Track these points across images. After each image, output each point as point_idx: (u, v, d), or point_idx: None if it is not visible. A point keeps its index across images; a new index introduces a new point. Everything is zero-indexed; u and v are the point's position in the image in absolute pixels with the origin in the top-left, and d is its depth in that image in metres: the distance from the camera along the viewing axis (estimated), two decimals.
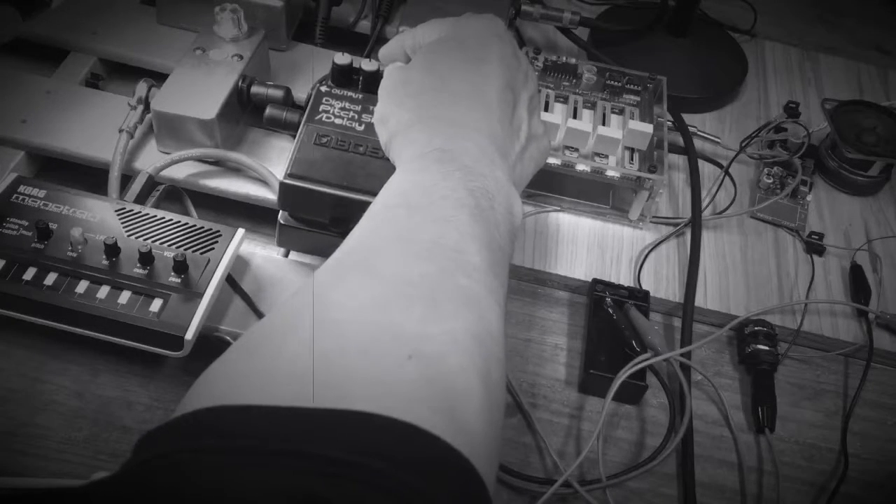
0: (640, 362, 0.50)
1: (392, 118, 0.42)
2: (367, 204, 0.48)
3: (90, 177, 0.55)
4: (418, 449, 0.26)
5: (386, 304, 0.31)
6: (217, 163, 0.56)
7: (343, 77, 0.52)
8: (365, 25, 0.68)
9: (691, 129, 0.66)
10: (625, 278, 0.58)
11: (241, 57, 0.56)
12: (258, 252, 0.53)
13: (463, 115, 0.41)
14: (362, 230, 0.36)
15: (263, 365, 0.29)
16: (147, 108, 0.55)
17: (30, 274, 0.45)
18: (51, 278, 0.45)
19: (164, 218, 0.49)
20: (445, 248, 0.34)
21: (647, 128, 0.58)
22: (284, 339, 0.30)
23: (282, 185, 0.48)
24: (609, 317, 0.54)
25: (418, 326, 0.30)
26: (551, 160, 0.57)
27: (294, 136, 0.50)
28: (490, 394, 0.30)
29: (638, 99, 0.63)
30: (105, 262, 0.46)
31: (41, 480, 0.44)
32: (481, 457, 0.28)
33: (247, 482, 0.23)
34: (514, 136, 0.42)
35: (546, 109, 0.60)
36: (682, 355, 0.53)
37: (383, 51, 0.49)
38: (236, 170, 0.56)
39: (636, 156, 0.59)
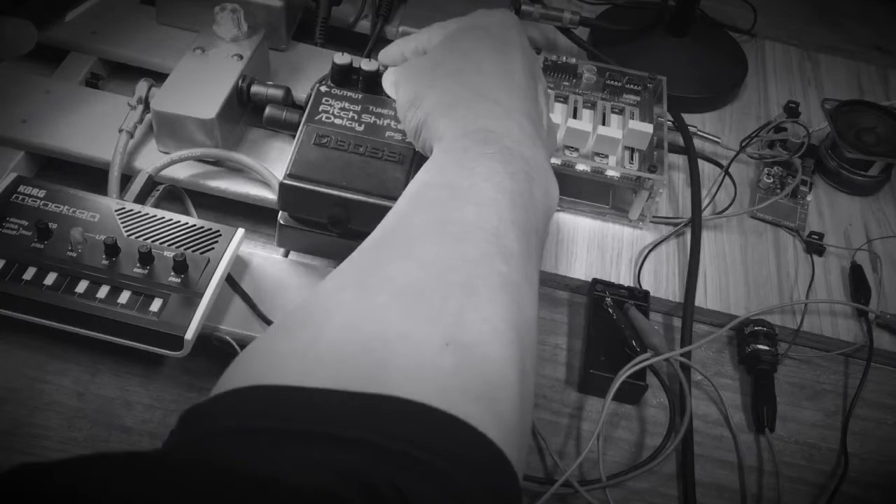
0: (640, 362, 0.50)
1: (426, 100, 0.42)
2: (367, 204, 0.48)
3: (90, 177, 0.55)
4: (455, 438, 0.26)
5: (426, 290, 0.31)
6: (217, 163, 0.56)
7: (343, 77, 0.52)
8: (365, 25, 0.68)
9: (691, 129, 0.66)
10: (625, 278, 0.58)
11: (240, 57, 0.56)
12: (258, 252, 0.53)
13: (502, 94, 0.41)
14: (403, 210, 0.36)
15: (305, 346, 0.29)
16: (147, 108, 0.55)
17: (30, 274, 0.45)
18: (51, 278, 0.45)
19: (163, 218, 0.49)
20: (486, 231, 0.33)
21: (647, 128, 0.58)
22: (325, 320, 0.30)
23: (281, 185, 0.48)
24: (609, 317, 0.54)
25: (457, 314, 0.30)
26: (551, 160, 0.57)
27: (294, 136, 0.50)
28: (524, 384, 0.30)
29: (638, 99, 0.63)
30: (105, 262, 0.46)
31: None
32: (514, 447, 0.28)
33: (293, 462, 0.24)
34: (540, 121, 0.42)
35: None
36: (682, 355, 0.53)
37: (385, 53, 0.49)
38: (236, 170, 0.56)
39: (636, 156, 0.59)
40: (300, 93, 0.58)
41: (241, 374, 0.29)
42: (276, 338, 0.31)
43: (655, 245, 0.60)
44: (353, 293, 0.31)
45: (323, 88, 0.52)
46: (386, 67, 0.50)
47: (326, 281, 0.33)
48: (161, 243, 0.48)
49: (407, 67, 0.45)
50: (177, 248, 0.48)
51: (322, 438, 0.24)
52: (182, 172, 0.55)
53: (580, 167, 0.58)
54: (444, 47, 0.44)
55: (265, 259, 0.52)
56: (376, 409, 0.26)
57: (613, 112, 0.61)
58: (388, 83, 0.49)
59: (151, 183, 0.53)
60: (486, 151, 0.37)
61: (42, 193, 0.49)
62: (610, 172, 0.58)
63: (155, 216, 0.49)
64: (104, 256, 0.47)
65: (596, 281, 0.56)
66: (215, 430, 0.26)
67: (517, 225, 0.35)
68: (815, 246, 0.61)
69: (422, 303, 0.30)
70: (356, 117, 0.51)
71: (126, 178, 0.53)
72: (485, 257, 0.33)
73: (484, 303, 0.31)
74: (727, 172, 0.64)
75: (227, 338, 0.48)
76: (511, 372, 0.30)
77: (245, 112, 0.58)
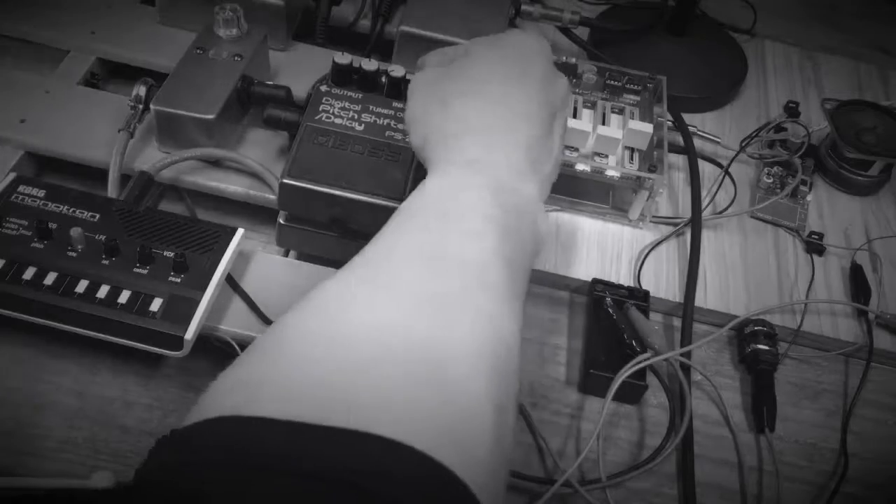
0: (640, 362, 0.50)
1: (429, 121, 0.42)
2: (367, 204, 0.48)
3: (90, 177, 0.55)
4: (425, 477, 0.26)
5: (406, 322, 0.30)
6: (217, 163, 0.56)
7: (343, 77, 0.52)
8: (365, 25, 0.68)
9: (691, 128, 0.66)
10: (625, 278, 0.57)
11: (241, 57, 0.56)
12: (258, 252, 0.53)
13: (503, 125, 0.40)
14: (389, 236, 0.36)
15: (282, 376, 0.29)
16: (147, 108, 0.55)
17: (30, 274, 0.45)
18: (51, 278, 0.45)
19: (163, 218, 0.49)
20: (470, 264, 0.33)
21: (647, 127, 0.58)
22: (304, 349, 0.30)
23: (282, 185, 0.48)
24: (609, 317, 0.54)
25: (438, 349, 0.30)
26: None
27: (294, 136, 0.50)
28: (501, 420, 0.30)
29: (638, 99, 0.63)
30: (105, 262, 0.46)
31: (41, 480, 0.44)
32: (486, 487, 0.28)
33: (255, 497, 0.23)
34: (546, 154, 0.42)
35: None
36: (682, 355, 0.53)
37: (423, 60, 0.49)
38: (236, 170, 0.56)
39: (636, 155, 0.59)
40: (300, 93, 0.58)
41: (217, 402, 0.29)
42: (254, 365, 0.30)
43: (655, 245, 0.60)
44: (332, 323, 0.31)
45: (323, 88, 0.52)
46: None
47: (306, 305, 0.32)
48: (161, 243, 0.48)
49: (422, 78, 0.45)
50: (177, 248, 0.48)
51: (291, 474, 0.24)
52: (182, 172, 0.55)
53: (580, 167, 0.58)
54: (461, 66, 0.44)
55: (265, 259, 0.52)
56: (348, 445, 0.26)
57: (613, 112, 0.62)
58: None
59: (151, 182, 0.53)
60: (479, 182, 0.37)
61: (42, 193, 0.49)
62: (610, 172, 0.58)
63: (155, 216, 0.49)
64: (104, 256, 0.46)
65: (596, 281, 0.56)
66: (189, 461, 0.25)
67: (503, 258, 0.34)
68: (815, 246, 0.61)
69: (401, 336, 0.30)
70: (356, 117, 0.51)
71: (126, 178, 0.53)
72: (467, 290, 0.32)
73: (464, 338, 0.31)
74: (727, 172, 0.64)
75: (227, 338, 0.48)
76: (487, 409, 0.29)
77: (245, 112, 0.58)
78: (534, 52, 0.44)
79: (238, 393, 0.29)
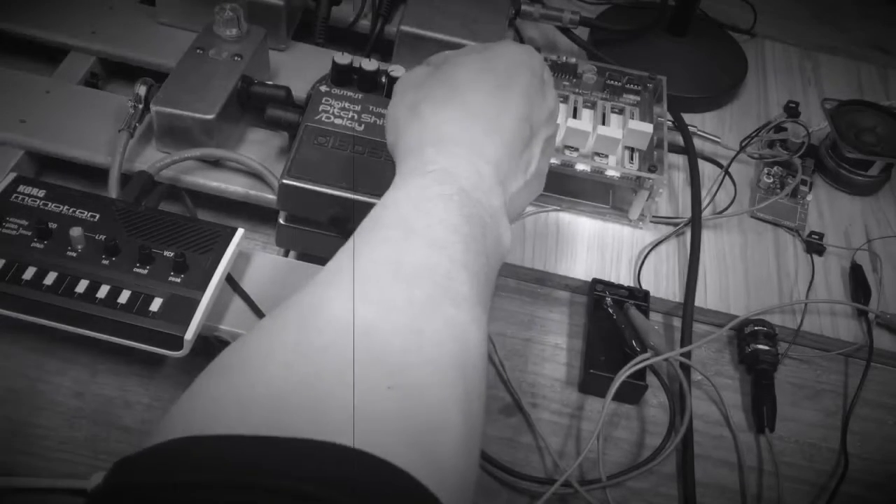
0: (640, 362, 0.50)
1: (401, 123, 0.42)
2: (367, 204, 0.48)
3: (90, 177, 0.55)
4: (389, 486, 0.26)
5: (370, 331, 0.30)
6: (217, 163, 0.56)
7: (343, 77, 0.52)
8: (365, 25, 0.68)
9: (691, 128, 0.66)
10: (625, 278, 0.58)
11: (241, 57, 0.56)
12: (258, 252, 0.53)
13: (474, 137, 0.40)
14: (356, 245, 0.35)
15: (243, 389, 0.28)
16: (147, 108, 0.55)
17: (30, 274, 0.45)
18: (51, 278, 0.45)
19: (163, 218, 0.49)
20: (436, 274, 0.33)
21: (647, 127, 0.58)
22: (264, 361, 0.29)
23: (281, 185, 0.48)
24: (609, 317, 0.54)
25: (400, 356, 0.30)
26: (551, 160, 0.57)
27: (294, 136, 0.50)
28: (468, 428, 0.30)
29: (638, 99, 0.63)
30: (105, 262, 0.46)
31: (41, 480, 0.44)
32: (454, 495, 0.27)
33: None
34: (519, 169, 0.41)
35: None
36: (682, 355, 0.53)
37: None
38: (236, 170, 0.56)
39: (636, 155, 0.59)
40: (300, 93, 0.58)
41: (178, 422, 0.28)
42: (215, 380, 0.30)
43: (655, 245, 0.60)
44: (294, 332, 0.31)
45: (323, 88, 0.52)
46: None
47: (268, 319, 0.32)
48: (161, 243, 0.48)
49: (405, 80, 0.44)
50: (177, 247, 0.48)
51: (249, 488, 0.24)
52: (182, 172, 0.55)
53: (580, 167, 0.58)
54: (442, 73, 0.43)
55: (265, 259, 0.52)
56: (310, 456, 0.25)
57: (613, 112, 0.62)
58: None
59: (151, 182, 0.53)
60: (444, 192, 0.37)
61: (42, 193, 0.49)
62: (610, 172, 0.58)
63: (155, 216, 0.49)
64: (104, 256, 0.46)
65: (596, 281, 0.56)
66: (143, 482, 0.25)
67: (469, 268, 0.34)
68: (815, 246, 0.61)
69: (365, 344, 0.30)
70: (356, 117, 0.51)
71: (126, 178, 0.53)
72: (432, 300, 0.32)
73: (429, 346, 0.30)
74: (727, 172, 0.64)
75: (227, 338, 0.48)
76: (454, 416, 0.29)
77: (245, 112, 0.58)
78: (520, 65, 0.43)
79: (198, 412, 0.28)
